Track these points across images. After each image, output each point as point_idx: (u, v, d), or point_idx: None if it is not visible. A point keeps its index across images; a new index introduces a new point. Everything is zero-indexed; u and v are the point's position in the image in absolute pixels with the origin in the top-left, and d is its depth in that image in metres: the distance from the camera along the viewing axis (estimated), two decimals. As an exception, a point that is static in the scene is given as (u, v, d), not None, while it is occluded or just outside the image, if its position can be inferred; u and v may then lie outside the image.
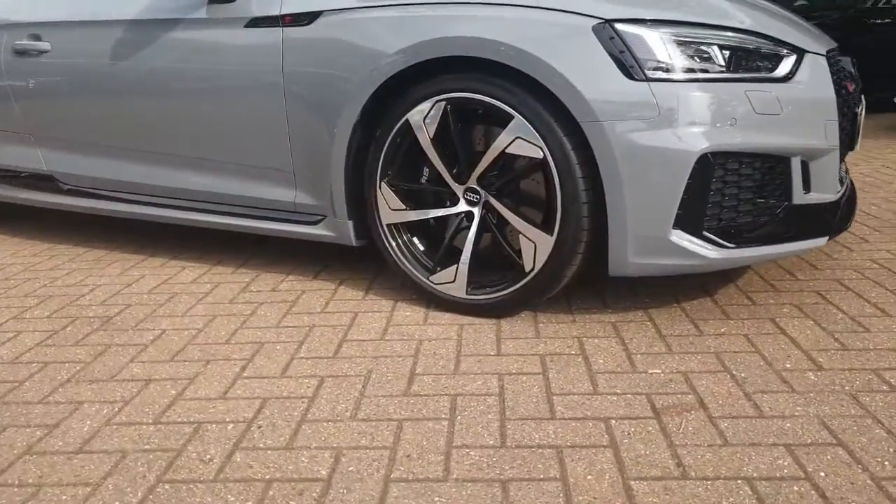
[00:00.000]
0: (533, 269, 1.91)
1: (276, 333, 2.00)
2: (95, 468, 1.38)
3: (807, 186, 1.91)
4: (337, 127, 2.10)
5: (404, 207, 2.10)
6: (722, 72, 1.79)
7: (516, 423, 1.49)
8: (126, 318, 2.17)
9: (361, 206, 2.19)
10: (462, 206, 2.04)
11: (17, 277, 2.63)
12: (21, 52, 2.76)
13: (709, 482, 1.27)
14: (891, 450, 1.34)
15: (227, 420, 1.54)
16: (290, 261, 2.64)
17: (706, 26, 1.81)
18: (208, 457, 1.41)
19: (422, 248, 2.15)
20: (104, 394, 1.69)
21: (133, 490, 1.31)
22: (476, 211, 2.01)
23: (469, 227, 2.03)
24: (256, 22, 2.22)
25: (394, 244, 2.14)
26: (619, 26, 1.76)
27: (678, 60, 1.75)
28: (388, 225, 2.13)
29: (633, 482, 1.28)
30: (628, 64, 1.74)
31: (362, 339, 1.94)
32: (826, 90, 1.89)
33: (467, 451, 1.39)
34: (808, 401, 1.53)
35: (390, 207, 2.11)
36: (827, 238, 1.95)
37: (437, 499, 1.26)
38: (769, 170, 1.84)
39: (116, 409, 1.61)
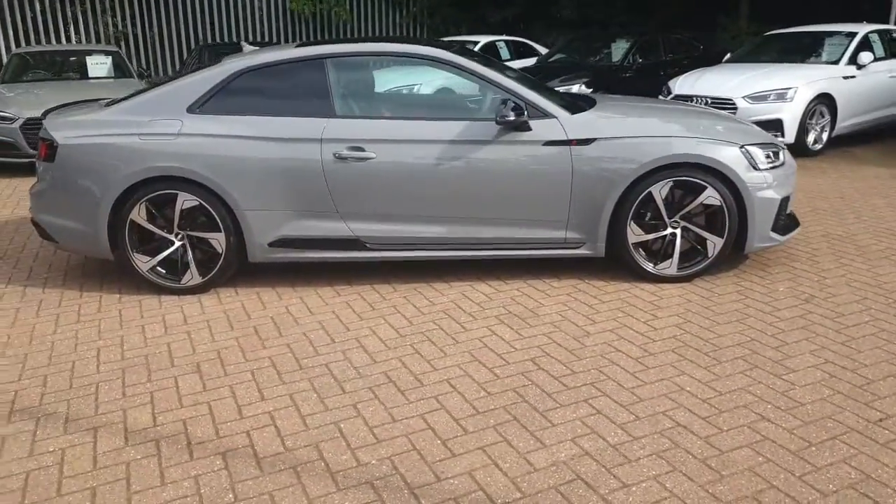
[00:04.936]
0: (713, 254, 4.21)
1: (597, 312, 3.96)
2: (576, 405, 3.33)
3: (790, 206, 4.52)
4: (608, 197, 4.10)
5: (642, 233, 4.20)
6: (777, 162, 4.29)
7: (751, 310, 3.79)
8: (517, 309, 3.88)
9: (610, 235, 4.23)
10: (669, 231, 4.22)
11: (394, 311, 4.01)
12: (342, 158, 4.08)
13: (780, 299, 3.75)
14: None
15: (626, 350, 3.57)
16: (523, 275, 4.46)
17: (769, 144, 4.30)
18: (638, 364, 3.44)
19: (645, 254, 4.27)
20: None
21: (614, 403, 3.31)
22: (678, 232, 4.22)
23: (674, 240, 4.22)
24: (551, 143, 4.09)
25: (635, 253, 4.23)
26: (748, 147, 4.15)
27: (767, 160, 4.21)
28: (633, 244, 4.21)
29: (774, 320, 3.69)
30: (753, 164, 4.14)
31: (647, 300, 4.01)
32: (793, 166, 4.52)
33: (739, 324, 3.65)
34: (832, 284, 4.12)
35: (635, 234, 4.19)
36: (798, 228, 4.61)
37: (716, 365, 3.51)
38: (786, 201, 4.40)
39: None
